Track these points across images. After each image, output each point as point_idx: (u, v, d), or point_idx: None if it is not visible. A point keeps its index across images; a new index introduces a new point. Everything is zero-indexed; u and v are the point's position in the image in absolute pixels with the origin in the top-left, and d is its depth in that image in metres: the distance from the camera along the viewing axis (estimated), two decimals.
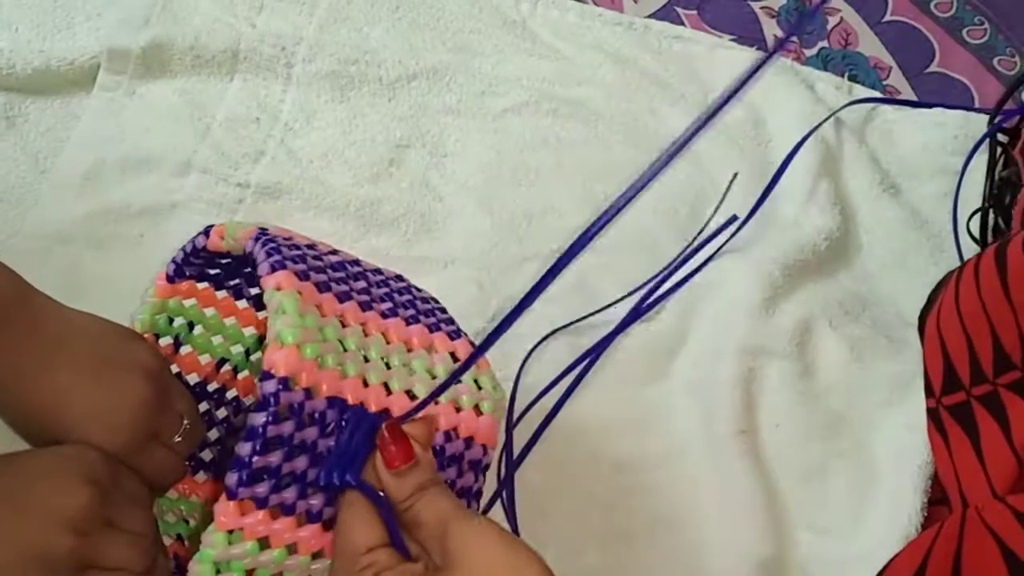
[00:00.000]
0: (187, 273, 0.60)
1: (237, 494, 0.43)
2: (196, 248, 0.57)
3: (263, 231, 0.50)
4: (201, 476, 0.63)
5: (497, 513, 0.67)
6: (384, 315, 0.50)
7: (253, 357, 0.65)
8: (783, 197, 0.82)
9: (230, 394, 0.65)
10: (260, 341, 0.64)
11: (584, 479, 0.69)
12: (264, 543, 0.44)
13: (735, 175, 0.82)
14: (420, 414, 0.47)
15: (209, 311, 0.62)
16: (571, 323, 0.74)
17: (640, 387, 0.73)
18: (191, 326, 0.62)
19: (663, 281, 0.77)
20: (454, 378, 0.47)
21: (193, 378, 0.63)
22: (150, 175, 0.76)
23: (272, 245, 0.49)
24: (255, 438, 0.43)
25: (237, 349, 0.64)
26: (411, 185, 0.80)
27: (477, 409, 0.51)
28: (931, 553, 0.62)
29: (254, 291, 0.62)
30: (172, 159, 0.77)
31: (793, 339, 0.74)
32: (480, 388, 0.52)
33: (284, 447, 0.44)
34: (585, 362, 0.72)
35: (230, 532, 0.43)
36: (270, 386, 0.43)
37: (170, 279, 0.59)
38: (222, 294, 0.62)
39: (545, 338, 0.73)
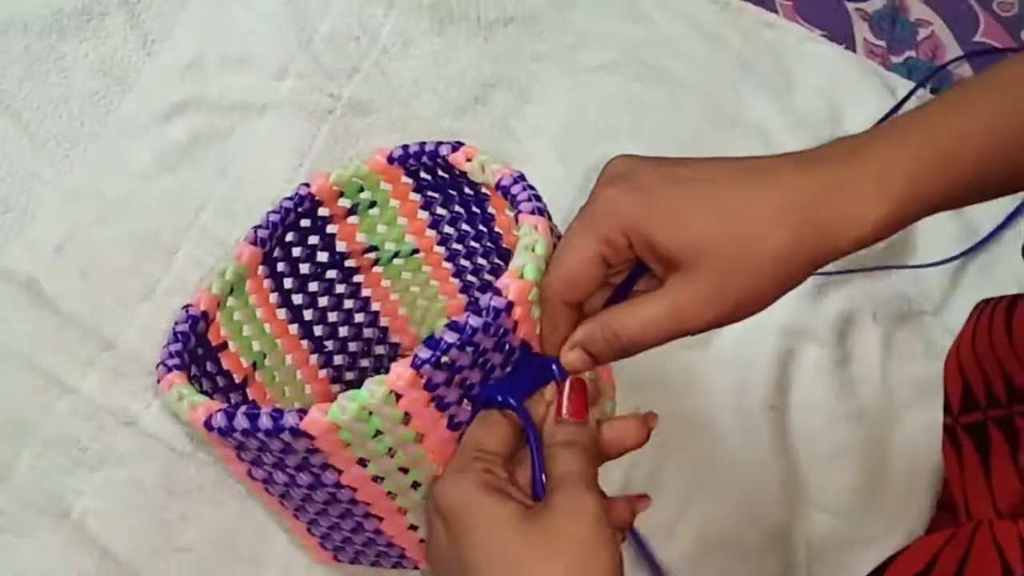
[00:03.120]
0: (405, 164, 0.61)
1: (420, 368, 0.44)
2: (437, 153, 0.58)
3: (522, 175, 0.53)
4: (294, 328, 0.65)
5: None
6: None
7: (396, 261, 0.67)
8: None
9: (357, 278, 0.67)
10: (412, 253, 0.67)
11: None
12: (407, 419, 0.46)
13: None
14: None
15: (394, 202, 0.64)
16: None
17: (680, 350, 0.76)
18: (371, 205, 0.64)
19: None
20: None
21: (342, 246, 0.66)
22: (248, 73, 0.79)
23: (534, 191, 0.52)
24: (463, 333, 0.44)
25: (390, 247, 0.66)
26: (493, 125, 0.83)
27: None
28: (939, 556, 0.65)
29: (440, 211, 0.64)
30: (271, 62, 0.80)
31: (835, 327, 0.77)
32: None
33: (475, 356, 0.46)
34: None
35: (392, 393, 0.44)
36: (499, 303, 0.45)
37: (390, 160, 0.61)
38: (415, 196, 0.64)
39: None
